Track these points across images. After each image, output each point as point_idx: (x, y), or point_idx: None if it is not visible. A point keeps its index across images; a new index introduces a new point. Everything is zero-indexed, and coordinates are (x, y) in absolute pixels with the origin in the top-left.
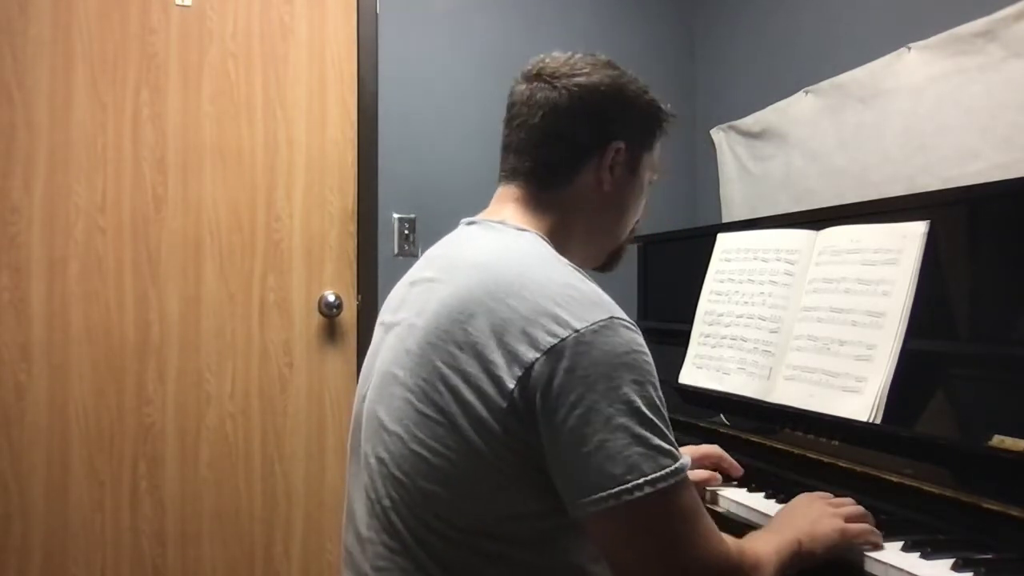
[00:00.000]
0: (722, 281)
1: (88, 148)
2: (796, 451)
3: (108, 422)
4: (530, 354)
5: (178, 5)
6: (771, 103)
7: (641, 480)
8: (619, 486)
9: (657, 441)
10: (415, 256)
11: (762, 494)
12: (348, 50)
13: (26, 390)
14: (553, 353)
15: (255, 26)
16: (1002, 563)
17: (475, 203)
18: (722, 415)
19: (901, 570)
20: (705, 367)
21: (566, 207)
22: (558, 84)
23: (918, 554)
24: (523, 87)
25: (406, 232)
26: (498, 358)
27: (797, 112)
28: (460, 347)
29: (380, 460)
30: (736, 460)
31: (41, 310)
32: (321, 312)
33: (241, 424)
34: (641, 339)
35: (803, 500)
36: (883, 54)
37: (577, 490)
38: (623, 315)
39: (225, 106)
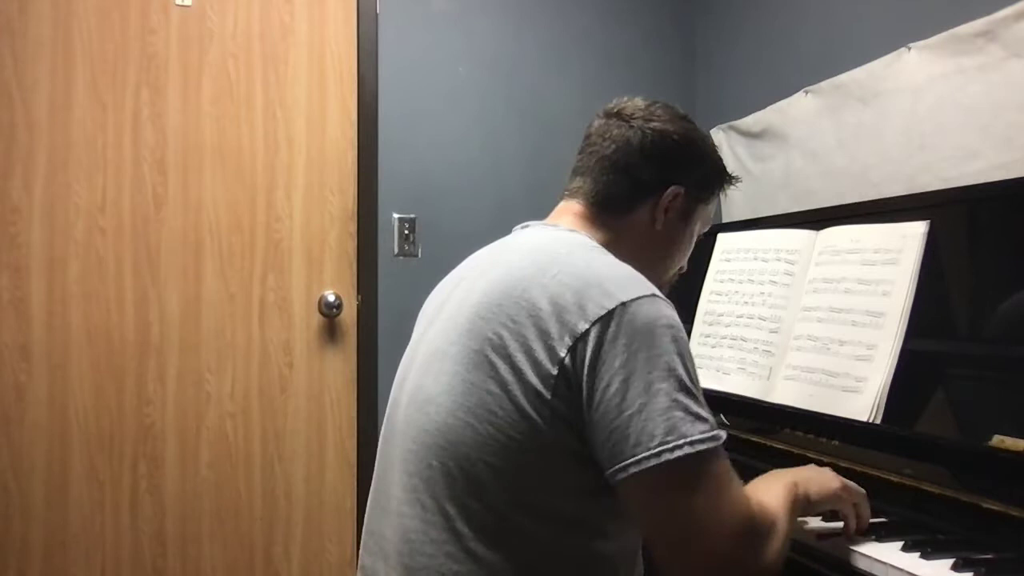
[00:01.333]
0: (722, 281)
1: (88, 148)
2: (796, 451)
3: (108, 422)
4: (581, 324)
5: (178, 5)
6: (771, 103)
7: (681, 441)
8: (660, 446)
9: (696, 408)
10: (415, 256)
11: None
12: (348, 50)
13: (26, 390)
14: (601, 322)
15: (255, 26)
16: (1002, 563)
17: (475, 202)
18: (722, 415)
19: (901, 570)
20: (705, 367)
21: (618, 233)
22: (634, 124)
23: (918, 554)
24: (601, 121)
25: (406, 232)
26: (550, 327)
27: (797, 112)
28: (513, 319)
29: (424, 430)
30: (736, 460)
31: (41, 310)
32: (321, 312)
33: (241, 424)
34: (677, 316)
35: (808, 467)
36: (883, 54)
37: (618, 452)
38: (662, 295)
39: (225, 106)
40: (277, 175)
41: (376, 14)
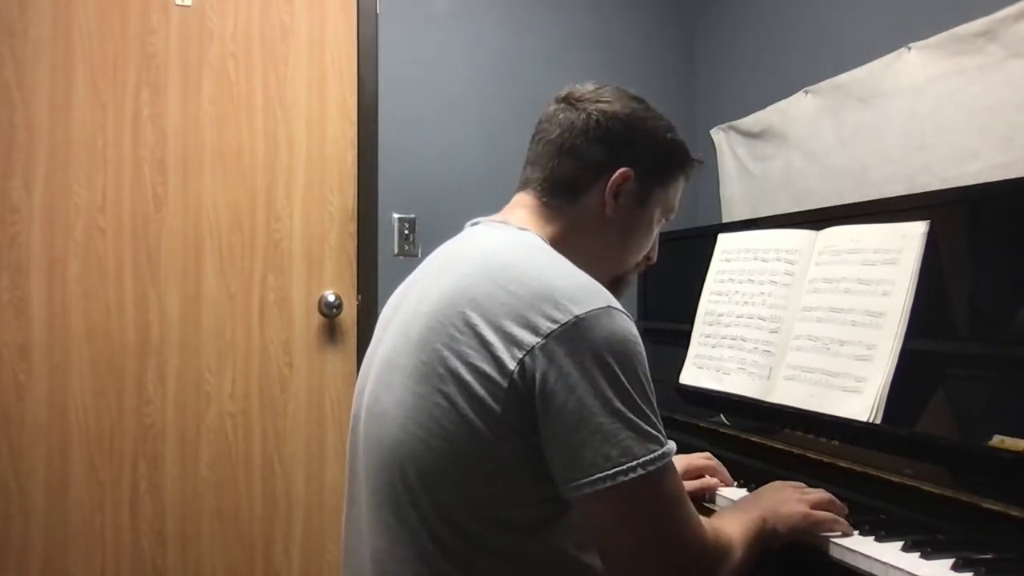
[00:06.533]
0: (722, 281)
1: (88, 148)
2: (796, 451)
3: (108, 422)
4: (531, 338)
5: (178, 5)
6: (771, 103)
7: (634, 463)
8: (614, 468)
9: (646, 427)
10: (415, 256)
11: None
12: (348, 50)
13: (26, 390)
14: (554, 337)
15: (255, 26)
16: (1002, 563)
17: (475, 203)
18: (722, 415)
19: (901, 570)
20: (705, 367)
21: (570, 222)
22: (580, 106)
23: (918, 554)
24: (551, 108)
25: (406, 232)
26: (499, 340)
27: (797, 112)
28: (460, 330)
29: (382, 444)
30: (736, 460)
31: (41, 310)
32: (321, 312)
33: (241, 424)
34: (635, 328)
35: (772, 485)
36: (883, 54)
37: (573, 471)
38: (619, 304)
39: (225, 106)
40: (277, 175)
41: (376, 14)
